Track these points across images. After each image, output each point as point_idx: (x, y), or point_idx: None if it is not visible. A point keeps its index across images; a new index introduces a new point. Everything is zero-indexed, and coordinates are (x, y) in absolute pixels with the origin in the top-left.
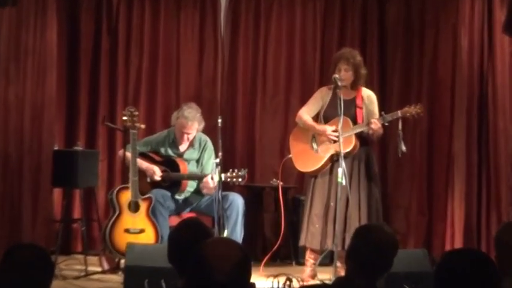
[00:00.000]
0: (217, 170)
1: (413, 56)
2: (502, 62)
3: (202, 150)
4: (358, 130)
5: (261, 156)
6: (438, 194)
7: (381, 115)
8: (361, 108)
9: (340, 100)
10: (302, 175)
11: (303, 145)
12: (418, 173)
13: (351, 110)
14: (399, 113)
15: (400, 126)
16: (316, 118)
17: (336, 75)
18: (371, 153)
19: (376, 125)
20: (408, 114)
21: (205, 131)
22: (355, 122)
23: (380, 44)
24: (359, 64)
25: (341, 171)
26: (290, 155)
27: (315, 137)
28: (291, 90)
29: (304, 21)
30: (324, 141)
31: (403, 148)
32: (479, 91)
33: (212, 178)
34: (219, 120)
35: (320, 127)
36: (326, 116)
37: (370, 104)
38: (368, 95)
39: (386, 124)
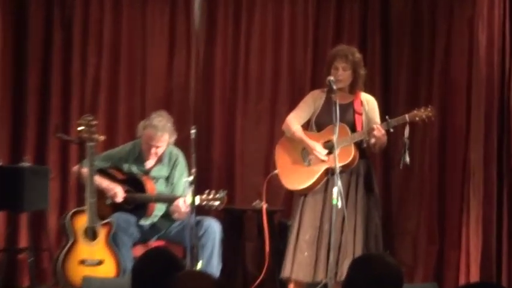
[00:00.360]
0: (190, 190)
1: (423, 53)
2: None
3: (172, 167)
4: (358, 139)
5: (243, 174)
6: (451, 217)
7: (385, 120)
8: (360, 114)
9: (336, 105)
10: (291, 196)
11: (292, 158)
12: (428, 191)
13: (349, 116)
14: (407, 117)
15: (406, 133)
16: (307, 125)
17: (331, 78)
18: (371, 167)
19: (379, 131)
20: (417, 119)
21: (177, 143)
22: (353, 130)
23: (383, 40)
24: (358, 63)
25: (336, 190)
26: (276, 171)
27: (305, 147)
28: (277, 95)
29: (294, 14)
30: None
31: (407, 159)
32: (500, 94)
33: (184, 200)
34: (193, 131)
35: (310, 143)
36: (319, 122)
37: (371, 110)
38: (368, 99)
39: (391, 131)
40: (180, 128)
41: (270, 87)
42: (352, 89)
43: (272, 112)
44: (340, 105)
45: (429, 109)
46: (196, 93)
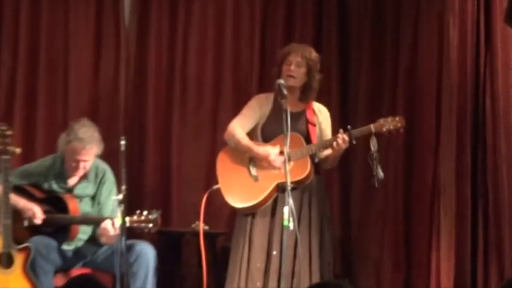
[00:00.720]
0: (119, 210)
1: (386, 53)
2: (504, 62)
3: (99, 184)
4: (315, 150)
5: (180, 191)
6: (419, 240)
7: (346, 130)
8: (313, 124)
9: (287, 112)
10: (235, 216)
11: (237, 170)
12: (392, 210)
13: (301, 126)
14: (372, 128)
15: (374, 146)
16: (251, 135)
17: (281, 81)
18: (323, 184)
19: (343, 141)
20: (384, 130)
21: (104, 157)
22: (307, 142)
23: (340, 39)
24: (314, 64)
25: (287, 210)
26: (217, 185)
27: (253, 159)
28: (219, 101)
29: (238, 7)
30: (266, 166)
31: (381, 174)
32: (474, 101)
33: (113, 222)
34: (122, 142)
35: (261, 150)
36: (265, 132)
37: (325, 120)
38: (321, 109)
39: (354, 143)
40: (108, 139)
41: (211, 92)
42: (305, 96)
43: (213, 120)
44: (291, 113)
45: (397, 119)
46: (126, 99)
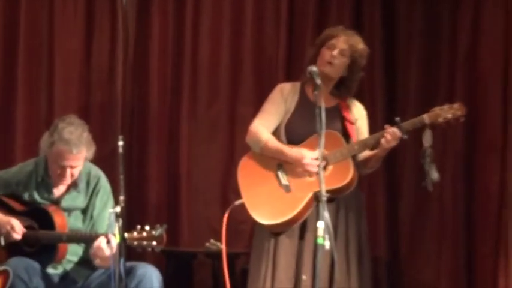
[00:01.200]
0: (117, 226)
1: (441, 35)
2: None
3: (92, 194)
4: (361, 150)
5: (190, 203)
6: (483, 263)
7: (395, 123)
8: (351, 122)
9: (320, 106)
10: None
11: (264, 180)
12: (450, 227)
13: (335, 124)
14: (426, 118)
15: (428, 140)
16: (275, 135)
17: (313, 68)
18: (361, 195)
19: (394, 135)
20: (441, 120)
21: (97, 160)
22: (346, 141)
23: (385, 17)
24: (361, 57)
25: (322, 226)
26: (240, 200)
27: (283, 165)
28: (238, 93)
29: None
30: (299, 173)
31: (435, 175)
32: None
33: (108, 240)
34: (120, 143)
35: (294, 153)
36: (291, 131)
37: (361, 118)
38: (355, 104)
39: (405, 137)
40: (102, 139)
41: (228, 82)
42: (338, 92)
43: (231, 117)
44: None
45: (456, 106)
46: (125, 91)
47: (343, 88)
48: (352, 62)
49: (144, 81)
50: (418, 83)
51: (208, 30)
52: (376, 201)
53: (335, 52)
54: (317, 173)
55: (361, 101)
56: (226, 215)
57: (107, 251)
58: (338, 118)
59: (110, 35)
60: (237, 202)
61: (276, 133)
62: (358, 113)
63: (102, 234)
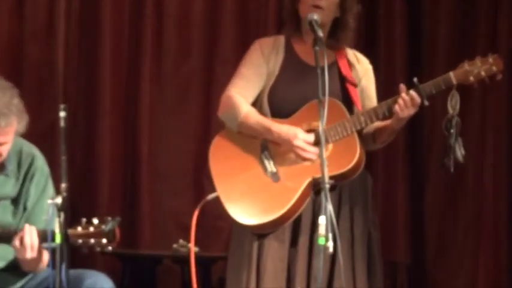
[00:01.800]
0: (57, 220)
1: None
2: None
3: (25, 178)
4: (367, 121)
5: (153, 192)
6: None
7: (413, 85)
8: (354, 84)
9: (324, 67)
10: None
11: (244, 166)
12: (491, 222)
13: (334, 87)
14: (452, 77)
15: (454, 107)
16: (253, 106)
17: (314, 16)
18: (368, 179)
19: (411, 101)
20: (472, 79)
21: (30, 137)
22: (349, 110)
23: None
24: None
25: (323, 222)
26: (215, 194)
27: (268, 146)
28: (216, 49)
29: None
30: (289, 156)
31: (459, 154)
32: None
33: (38, 233)
34: (62, 114)
35: (284, 130)
36: (277, 98)
37: (366, 75)
38: (359, 57)
39: (426, 104)
40: (39, 108)
41: (203, 34)
42: (336, 40)
43: (206, 80)
44: (312, 68)
45: (491, 60)
46: (68, 47)
47: (340, 31)
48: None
49: (93, 34)
50: (449, 33)
51: None
52: (395, 191)
53: None
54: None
55: (375, 57)
56: (196, 213)
57: (28, 250)
58: (337, 79)
59: None
60: (210, 196)
61: (256, 104)
62: (362, 70)
63: (34, 228)
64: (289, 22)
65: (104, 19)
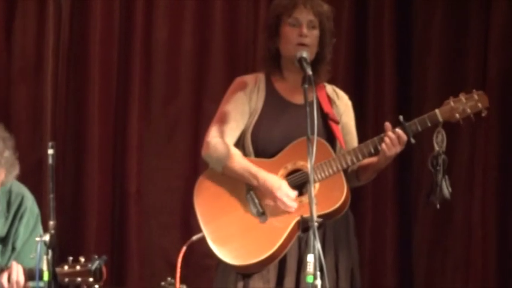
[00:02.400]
0: (46, 257)
1: (469, 11)
2: None
3: (14, 218)
4: (353, 160)
5: (141, 230)
6: None
7: (399, 123)
8: (336, 121)
9: (313, 105)
10: None
11: (230, 207)
12: (480, 258)
13: (318, 123)
14: (439, 115)
15: (440, 144)
16: (236, 145)
17: (303, 53)
18: (350, 217)
19: (398, 140)
20: (457, 116)
21: (20, 174)
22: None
23: None
24: (329, 21)
25: (312, 260)
26: (200, 234)
27: (252, 187)
28: (205, 86)
29: None
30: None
31: (446, 191)
32: None
33: (17, 272)
34: (50, 152)
35: (269, 180)
36: (260, 137)
37: (346, 110)
38: (337, 93)
39: (413, 142)
40: (27, 146)
41: (192, 72)
42: (316, 75)
43: (195, 117)
44: (297, 106)
45: (476, 96)
46: (56, 84)
47: (319, 68)
48: (322, 31)
49: (82, 72)
50: (439, 70)
51: (165, 7)
52: (384, 229)
53: (304, 29)
54: (300, 193)
55: (365, 94)
56: (182, 252)
57: None
58: (319, 116)
59: (37, 10)
60: (196, 237)
61: (238, 142)
62: (342, 106)
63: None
64: (270, 60)
65: (92, 57)
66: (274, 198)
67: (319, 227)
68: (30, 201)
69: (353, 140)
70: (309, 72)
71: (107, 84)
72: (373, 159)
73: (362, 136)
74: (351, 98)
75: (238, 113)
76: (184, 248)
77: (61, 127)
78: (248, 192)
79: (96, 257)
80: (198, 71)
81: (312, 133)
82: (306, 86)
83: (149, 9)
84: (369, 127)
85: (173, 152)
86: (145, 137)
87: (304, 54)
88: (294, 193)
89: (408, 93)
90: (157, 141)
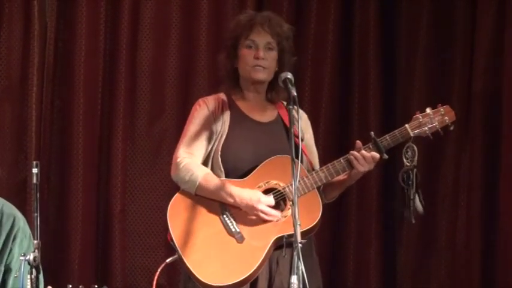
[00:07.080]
0: (29, 277)
1: (455, 26)
2: None
3: (6, 239)
4: (328, 177)
5: (126, 250)
6: None
7: (372, 140)
8: (300, 138)
9: (297, 122)
10: None
11: (205, 228)
12: (466, 283)
13: (283, 142)
14: (409, 130)
15: (410, 159)
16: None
17: (288, 75)
18: (311, 240)
19: (370, 157)
20: (427, 130)
21: (3, 191)
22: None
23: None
24: (288, 42)
25: (295, 281)
26: (174, 256)
27: (227, 207)
28: (190, 107)
29: None
30: (250, 216)
31: (419, 206)
32: None
33: None
34: (35, 170)
35: (245, 195)
36: (230, 157)
37: (306, 127)
38: (299, 112)
39: (385, 158)
40: (11, 165)
41: (177, 91)
42: (275, 93)
43: (180, 134)
44: (260, 124)
45: (442, 111)
46: (41, 103)
47: (278, 88)
48: (280, 52)
49: (66, 91)
50: (424, 80)
51: (150, 25)
52: (368, 245)
53: (260, 52)
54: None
55: (350, 105)
56: (155, 277)
57: None
58: (284, 133)
59: (22, 29)
60: (170, 259)
61: (206, 163)
62: (302, 124)
63: None
64: (229, 79)
65: (77, 76)
66: (255, 211)
67: (289, 246)
68: (21, 221)
69: (314, 157)
70: (294, 93)
71: (91, 104)
72: (341, 176)
73: (348, 148)
74: (336, 110)
75: (204, 132)
76: (158, 271)
77: (46, 146)
78: (223, 213)
79: (82, 286)
80: (183, 90)
81: (297, 157)
82: (291, 107)
83: (134, 29)
84: (354, 137)
85: (158, 171)
86: (129, 156)
87: (289, 76)
88: (272, 200)
89: (393, 104)
90: (142, 161)
